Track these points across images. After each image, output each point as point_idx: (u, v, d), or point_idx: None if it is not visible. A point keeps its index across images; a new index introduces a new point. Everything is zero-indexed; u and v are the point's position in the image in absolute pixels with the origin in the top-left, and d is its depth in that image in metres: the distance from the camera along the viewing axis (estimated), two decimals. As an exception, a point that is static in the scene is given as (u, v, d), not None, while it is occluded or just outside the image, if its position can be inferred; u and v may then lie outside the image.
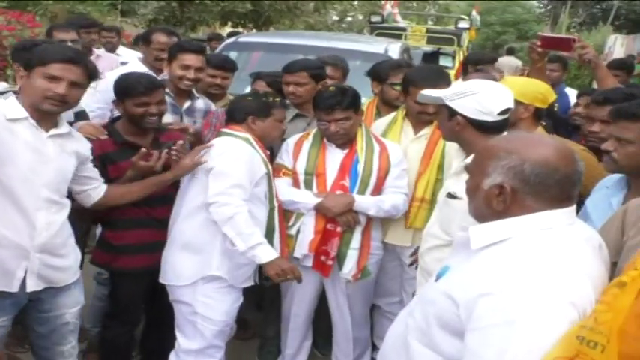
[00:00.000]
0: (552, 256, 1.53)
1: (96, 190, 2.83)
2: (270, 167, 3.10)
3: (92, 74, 2.57)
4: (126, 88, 3.06)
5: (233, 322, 3.22)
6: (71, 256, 2.70)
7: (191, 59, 3.64)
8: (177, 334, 3.10)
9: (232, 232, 2.87)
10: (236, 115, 3.11)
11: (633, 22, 25.73)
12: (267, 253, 2.92)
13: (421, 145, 3.38)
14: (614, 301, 1.39)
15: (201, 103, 3.83)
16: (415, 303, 1.84)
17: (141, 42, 4.87)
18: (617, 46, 14.25)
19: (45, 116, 2.49)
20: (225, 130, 3.11)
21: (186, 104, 3.76)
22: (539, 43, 3.67)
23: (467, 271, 1.62)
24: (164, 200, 3.11)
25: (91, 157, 2.80)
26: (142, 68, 4.26)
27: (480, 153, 1.76)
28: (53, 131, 2.53)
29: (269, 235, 3.05)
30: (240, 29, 14.11)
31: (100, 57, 5.29)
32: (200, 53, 3.74)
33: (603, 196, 2.45)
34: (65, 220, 2.63)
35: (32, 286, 2.53)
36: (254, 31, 14.51)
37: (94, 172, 2.84)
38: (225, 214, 2.85)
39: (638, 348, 1.32)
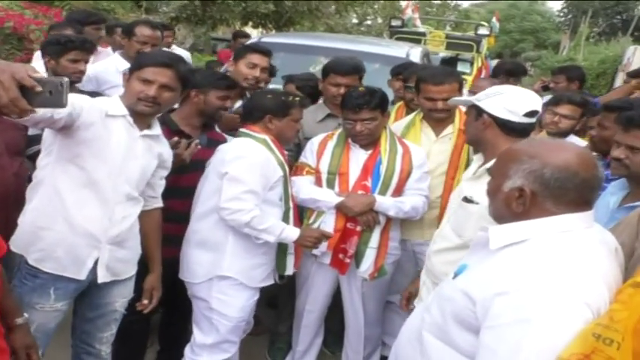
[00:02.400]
0: (568, 258, 1.58)
1: (146, 205, 2.84)
2: (287, 169, 3.11)
3: (184, 79, 2.68)
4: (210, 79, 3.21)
5: (250, 319, 3.27)
6: (136, 249, 2.79)
7: (258, 58, 3.81)
8: (194, 328, 3.17)
9: (254, 232, 2.96)
10: (254, 112, 3.12)
11: (654, 34, 25.55)
12: (294, 232, 3.05)
13: (445, 146, 3.45)
14: (629, 301, 1.43)
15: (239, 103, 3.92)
16: (432, 299, 1.89)
17: (122, 34, 4.75)
18: (637, 56, 14.16)
19: (140, 117, 2.61)
20: (243, 130, 3.14)
21: (238, 104, 3.84)
22: None
23: (484, 270, 1.68)
24: (184, 194, 3.15)
25: (169, 166, 2.89)
26: (123, 62, 4.29)
27: (502, 156, 1.82)
28: (145, 131, 2.65)
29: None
30: (243, 30, 14.11)
31: (100, 53, 5.08)
32: (267, 55, 3.89)
33: (603, 194, 2.51)
34: (137, 214, 2.74)
35: (102, 277, 2.63)
36: (273, 31, 14.56)
37: (158, 187, 2.89)
38: (241, 220, 2.92)
39: None
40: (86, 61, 3.66)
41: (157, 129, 2.74)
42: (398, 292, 3.63)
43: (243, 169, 2.93)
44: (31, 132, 3.35)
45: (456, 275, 1.81)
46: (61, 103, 1.76)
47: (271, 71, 4.16)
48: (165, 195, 3.02)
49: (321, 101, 4.01)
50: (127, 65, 4.38)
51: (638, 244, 1.96)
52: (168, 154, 2.85)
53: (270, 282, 3.19)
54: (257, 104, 3.15)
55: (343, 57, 3.93)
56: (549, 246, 1.62)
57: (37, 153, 3.08)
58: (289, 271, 3.22)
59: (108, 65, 4.33)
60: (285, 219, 3.12)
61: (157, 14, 12.87)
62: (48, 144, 2.53)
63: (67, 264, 2.54)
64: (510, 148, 1.82)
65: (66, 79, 1.73)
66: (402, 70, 4.34)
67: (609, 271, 1.62)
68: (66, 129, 2.37)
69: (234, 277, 3.04)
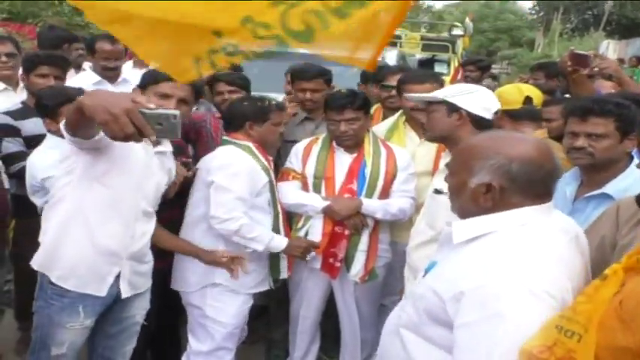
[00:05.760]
0: (530, 251, 1.61)
1: None
2: (272, 174, 3.13)
3: (198, 92, 2.72)
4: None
5: (244, 325, 3.26)
6: (151, 262, 2.81)
7: None
8: (189, 336, 3.17)
9: (244, 240, 2.98)
10: (233, 121, 3.14)
11: (625, 27, 25.96)
12: (282, 241, 3.08)
13: (428, 148, 3.44)
14: (594, 293, 1.44)
15: (202, 108, 3.92)
16: (406, 298, 1.92)
17: (86, 51, 4.77)
18: (610, 51, 14.39)
19: None
20: (226, 137, 3.15)
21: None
22: (569, 63, 3.68)
23: (449, 267, 1.70)
24: (170, 203, 3.09)
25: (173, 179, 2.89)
26: (94, 76, 4.38)
27: (463, 152, 1.82)
28: (159, 148, 2.65)
29: None
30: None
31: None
32: None
33: (559, 185, 2.58)
34: (153, 229, 2.75)
35: (126, 292, 2.65)
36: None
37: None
38: (231, 228, 2.94)
39: (613, 338, 1.37)
40: (57, 77, 3.61)
41: (168, 145, 2.76)
42: (391, 294, 3.63)
43: (229, 177, 2.95)
44: (12, 149, 3.39)
45: (426, 272, 1.83)
46: (174, 135, 1.82)
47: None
48: None
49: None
50: (97, 79, 4.40)
51: (619, 236, 1.98)
52: (174, 169, 2.88)
53: (265, 287, 3.20)
54: (235, 112, 3.16)
55: (307, 63, 3.97)
56: (511, 240, 1.64)
57: (22, 170, 3.10)
58: (284, 274, 3.23)
59: (81, 80, 4.31)
60: (275, 223, 3.13)
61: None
62: (69, 163, 2.49)
63: (88, 281, 2.55)
64: (470, 144, 1.82)
65: (178, 112, 1.80)
66: (370, 77, 4.43)
67: (569, 259, 1.66)
68: (101, 149, 2.37)
69: (226, 284, 3.04)
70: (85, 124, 2.08)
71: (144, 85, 2.67)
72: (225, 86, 3.76)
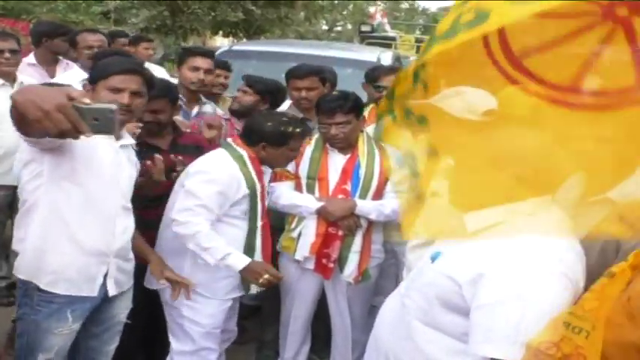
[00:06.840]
0: (543, 236, 1.68)
1: None
2: (258, 187, 3.01)
3: (150, 83, 2.64)
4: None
5: (232, 327, 3.23)
6: (133, 260, 2.76)
7: (200, 61, 3.80)
8: (170, 336, 3.13)
9: (197, 248, 2.88)
10: (251, 136, 3.03)
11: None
12: (239, 261, 2.90)
13: None
14: (602, 290, 1.47)
15: (208, 107, 3.92)
16: (408, 286, 1.95)
17: (69, 47, 4.79)
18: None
19: None
20: (228, 140, 3.09)
21: (195, 109, 3.86)
22: None
23: (464, 253, 1.76)
24: (155, 202, 3.10)
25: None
26: (83, 74, 4.24)
27: None
28: (122, 141, 2.61)
29: (248, 254, 2.99)
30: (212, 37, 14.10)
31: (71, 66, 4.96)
32: (208, 56, 3.90)
33: None
34: (133, 225, 2.70)
35: (112, 290, 2.62)
36: (244, 40, 14.57)
37: None
38: (187, 231, 2.86)
39: (621, 334, 1.40)
40: None
41: (129, 138, 2.71)
42: (378, 293, 3.61)
43: (200, 184, 2.89)
44: None
45: (433, 260, 1.87)
46: (110, 131, 1.68)
47: (227, 68, 4.32)
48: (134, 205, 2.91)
49: (288, 103, 4.11)
50: (85, 75, 4.39)
51: (622, 241, 1.99)
52: (138, 163, 2.81)
53: (239, 294, 3.11)
54: (255, 128, 3.04)
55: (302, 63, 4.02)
56: (524, 227, 1.71)
57: None
58: (253, 289, 3.09)
59: (68, 77, 4.28)
60: (251, 237, 3.04)
61: (126, 25, 12.81)
62: (34, 166, 2.40)
63: (80, 283, 2.51)
64: None
65: (115, 107, 1.66)
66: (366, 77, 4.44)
67: (575, 244, 1.72)
68: (61, 147, 2.30)
69: (195, 290, 2.97)
70: (25, 123, 1.90)
71: (94, 80, 2.55)
72: (252, 94, 3.87)
